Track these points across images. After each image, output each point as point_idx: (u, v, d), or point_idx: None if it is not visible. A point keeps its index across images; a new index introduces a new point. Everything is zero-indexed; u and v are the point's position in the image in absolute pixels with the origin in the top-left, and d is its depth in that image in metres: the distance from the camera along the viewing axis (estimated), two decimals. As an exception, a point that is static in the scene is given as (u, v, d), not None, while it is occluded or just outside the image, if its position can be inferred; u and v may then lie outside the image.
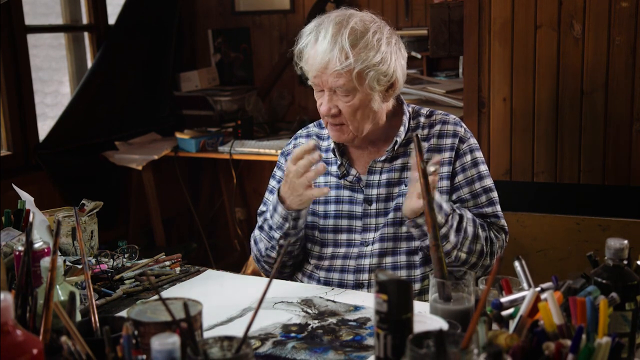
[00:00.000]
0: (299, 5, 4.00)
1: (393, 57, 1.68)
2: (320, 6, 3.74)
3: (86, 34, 3.84)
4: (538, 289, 1.16)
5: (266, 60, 4.17)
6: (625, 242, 1.16)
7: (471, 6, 2.67)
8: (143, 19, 3.87)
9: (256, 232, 1.82)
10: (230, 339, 1.02)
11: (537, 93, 2.63)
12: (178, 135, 3.75)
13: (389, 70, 1.67)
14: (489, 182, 1.78)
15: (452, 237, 1.63)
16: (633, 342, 1.15)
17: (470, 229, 1.66)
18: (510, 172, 2.70)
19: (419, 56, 3.47)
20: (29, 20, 3.40)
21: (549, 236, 2.61)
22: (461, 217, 1.66)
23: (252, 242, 1.85)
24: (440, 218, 1.60)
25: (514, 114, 2.68)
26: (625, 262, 1.16)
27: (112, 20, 3.82)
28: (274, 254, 1.77)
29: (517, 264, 1.24)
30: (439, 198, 1.61)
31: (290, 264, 1.83)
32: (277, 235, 1.73)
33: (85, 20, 3.81)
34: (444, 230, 1.61)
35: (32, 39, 3.43)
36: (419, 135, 1.75)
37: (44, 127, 3.70)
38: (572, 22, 2.53)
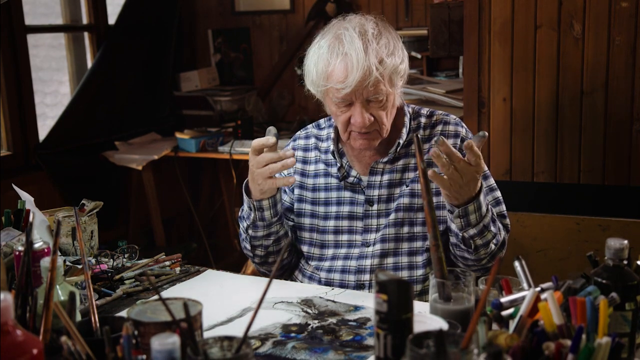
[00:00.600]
0: (299, 5, 4.00)
1: (405, 53, 1.71)
2: (320, 6, 3.74)
3: (86, 34, 3.84)
4: (538, 289, 1.16)
5: (266, 60, 4.17)
6: (625, 242, 1.16)
7: (471, 6, 2.66)
8: (143, 19, 3.87)
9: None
10: (230, 339, 1.02)
11: (537, 93, 2.63)
12: (178, 135, 3.75)
13: (406, 68, 1.71)
14: (492, 181, 1.78)
15: (492, 227, 1.64)
16: (633, 342, 1.15)
17: (497, 222, 1.68)
18: (510, 172, 2.70)
19: (419, 56, 3.47)
20: (29, 20, 3.40)
21: (549, 236, 2.61)
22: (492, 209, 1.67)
23: None
24: (484, 208, 1.59)
25: (514, 114, 2.67)
26: (625, 262, 1.16)
27: (112, 20, 3.82)
28: (248, 246, 1.81)
29: (517, 264, 1.24)
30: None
31: (272, 260, 1.82)
32: (245, 224, 1.76)
33: (85, 20, 3.81)
34: (486, 220, 1.61)
35: (32, 39, 3.43)
36: (420, 136, 1.76)
37: (44, 127, 3.70)
38: (572, 22, 2.53)
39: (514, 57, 2.64)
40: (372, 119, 1.66)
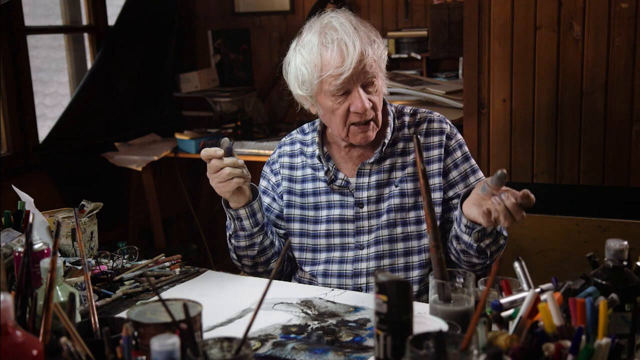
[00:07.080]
0: (298, 6, 4.00)
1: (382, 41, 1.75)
2: (320, 7, 3.74)
3: (86, 35, 3.84)
4: (538, 290, 1.16)
5: (266, 62, 4.17)
6: (625, 243, 1.16)
7: (471, 7, 2.67)
8: (143, 20, 3.88)
9: None
10: (230, 340, 1.02)
11: (537, 94, 2.63)
12: (178, 136, 3.75)
13: (386, 56, 1.74)
14: (481, 174, 1.79)
15: (504, 231, 1.66)
16: (632, 343, 1.15)
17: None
18: (510, 173, 2.70)
19: (418, 57, 3.47)
20: (28, 21, 3.40)
21: (548, 237, 2.61)
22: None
23: None
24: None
25: (513, 114, 2.68)
26: (625, 263, 1.16)
27: (112, 21, 3.82)
28: (234, 255, 1.81)
29: (516, 265, 1.24)
30: None
31: (261, 270, 1.83)
32: (228, 234, 1.77)
33: (85, 21, 3.81)
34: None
35: (32, 40, 3.43)
36: (405, 135, 1.77)
37: (44, 128, 3.70)
38: (571, 23, 2.53)
39: (514, 58, 2.64)
40: (371, 104, 1.67)
